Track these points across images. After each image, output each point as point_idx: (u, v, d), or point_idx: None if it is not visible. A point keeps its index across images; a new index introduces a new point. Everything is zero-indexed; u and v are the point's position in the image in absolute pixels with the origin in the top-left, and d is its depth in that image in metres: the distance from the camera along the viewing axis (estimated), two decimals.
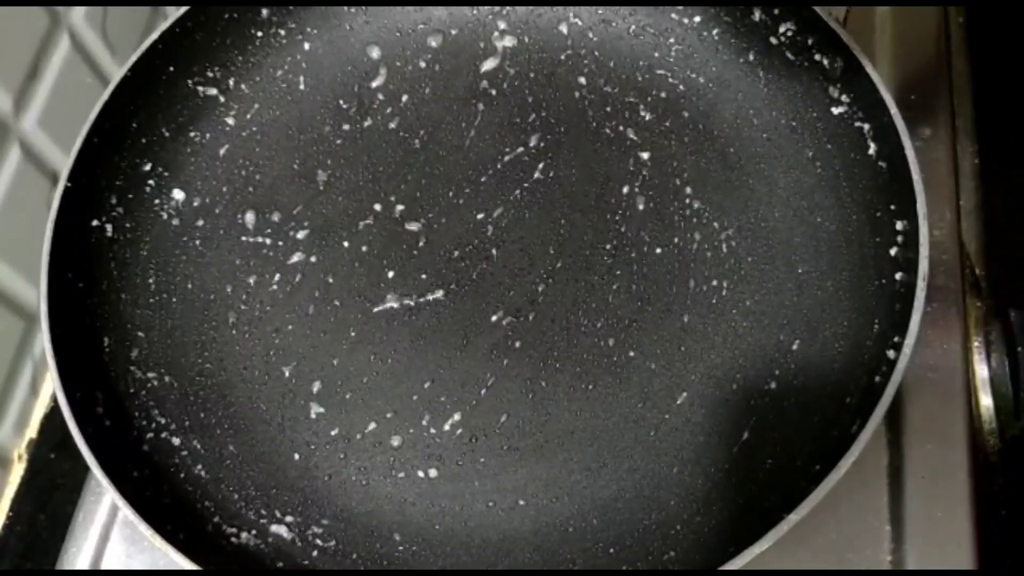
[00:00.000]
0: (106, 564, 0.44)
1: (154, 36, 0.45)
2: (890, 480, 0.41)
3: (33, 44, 0.45)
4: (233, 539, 0.40)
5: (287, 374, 0.44)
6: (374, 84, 0.50)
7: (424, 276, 0.45)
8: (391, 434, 0.42)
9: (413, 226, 0.47)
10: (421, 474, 0.41)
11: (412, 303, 0.45)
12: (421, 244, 0.46)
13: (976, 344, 0.43)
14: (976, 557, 0.39)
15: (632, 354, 0.43)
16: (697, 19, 0.48)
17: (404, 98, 0.49)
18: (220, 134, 0.48)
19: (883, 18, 0.51)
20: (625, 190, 0.46)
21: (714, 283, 0.44)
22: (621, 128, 0.48)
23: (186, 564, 0.35)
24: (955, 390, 0.42)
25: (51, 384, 0.46)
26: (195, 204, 0.47)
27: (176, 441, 0.42)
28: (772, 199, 0.45)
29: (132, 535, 0.44)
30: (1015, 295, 0.45)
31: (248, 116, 0.49)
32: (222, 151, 0.48)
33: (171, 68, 0.46)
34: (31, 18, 0.44)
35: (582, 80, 0.49)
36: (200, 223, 0.47)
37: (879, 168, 0.41)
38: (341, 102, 0.49)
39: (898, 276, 0.39)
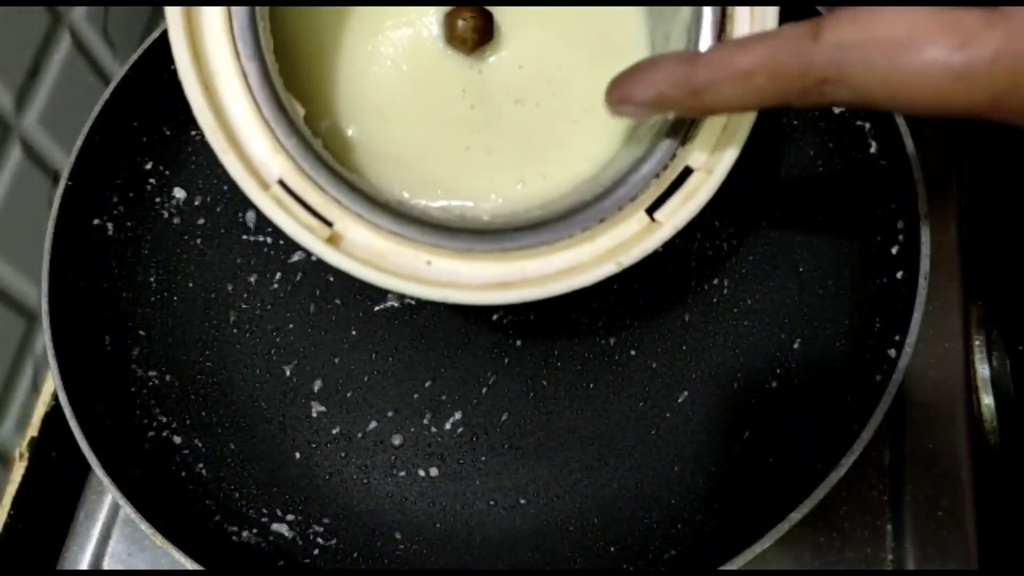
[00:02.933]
0: (107, 563, 0.44)
1: (155, 35, 0.45)
2: (891, 479, 0.41)
3: (34, 43, 0.45)
4: (234, 538, 0.40)
5: (288, 373, 0.44)
6: None
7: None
8: (392, 433, 0.42)
9: None
10: (422, 473, 0.42)
11: (413, 302, 0.45)
12: None
13: (977, 343, 0.43)
14: (976, 557, 0.39)
15: (633, 353, 0.43)
16: None
17: None
18: None
19: None
20: None
21: (715, 282, 0.44)
22: None
23: (187, 563, 0.36)
24: (956, 389, 0.42)
25: (52, 383, 0.46)
26: (196, 203, 0.47)
27: (177, 440, 0.42)
28: (773, 198, 0.45)
29: (133, 534, 0.44)
30: (1016, 294, 0.45)
31: None
32: None
33: (172, 67, 0.46)
34: (32, 17, 0.44)
35: None
36: (201, 222, 0.47)
37: (880, 167, 0.41)
38: None
39: (899, 275, 0.39)
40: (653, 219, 0.29)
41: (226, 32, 0.27)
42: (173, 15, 0.27)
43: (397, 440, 0.42)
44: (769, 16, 0.29)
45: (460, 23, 0.33)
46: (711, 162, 0.29)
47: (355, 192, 0.28)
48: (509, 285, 0.28)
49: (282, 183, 0.28)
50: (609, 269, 0.29)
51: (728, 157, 0.29)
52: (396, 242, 0.28)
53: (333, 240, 0.28)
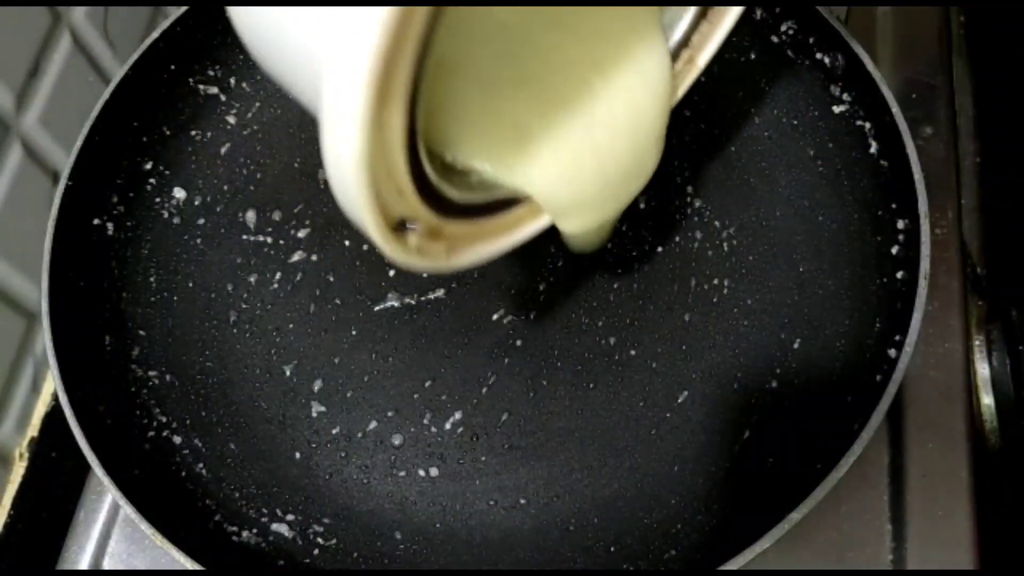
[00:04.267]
0: (107, 563, 0.44)
1: (155, 35, 0.45)
2: (891, 479, 0.41)
3: (34, 43, 0.44)
4: (234, 538, 0.40)
5: (288, 373, 0.44)
6: None
7: (425, 275, 0.45)
8: (392, 433, 0.42)
9: None
10: (422, 473, 0.42)
11: (413, 301, 0.45)
12: None
13: (977, 343, 0.43)
14: (976, 557, 0.39)
15: (633, 353, 0.43)
16: None
17: None
18: (221, 132, 0.48)
19: (884, 18, 0.51)
20: None
21: (715, 282, 0.44)
22: None
23: (187, 563, 0.35)
24: (956, 389, 0.42)
25: (52, 383, 0.46)
26: (196, 203, 0.47)
27: (177, 439, 0.42)
28: (773, 198, 0.45)
29: (133, 534, 0.44)
30: (1016, 293, 0.45)
31: (249, 114, 0.49)
32: (223, 150, 0.48)
33: (172, 67, 0.46)
34: (32, 17, 0.44)
35: None
36: (201, 222, 0.47)
37: (880, 167, 0.41)
38: None
39: (899, 275, 0.39)
40: None
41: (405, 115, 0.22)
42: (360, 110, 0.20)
43: (397, 440, 0.42)
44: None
45: None
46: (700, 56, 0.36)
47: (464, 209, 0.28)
48: None
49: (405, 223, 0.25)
50: None
51: (709, 50, 0.36)
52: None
53: (450, 251, 0.28)
